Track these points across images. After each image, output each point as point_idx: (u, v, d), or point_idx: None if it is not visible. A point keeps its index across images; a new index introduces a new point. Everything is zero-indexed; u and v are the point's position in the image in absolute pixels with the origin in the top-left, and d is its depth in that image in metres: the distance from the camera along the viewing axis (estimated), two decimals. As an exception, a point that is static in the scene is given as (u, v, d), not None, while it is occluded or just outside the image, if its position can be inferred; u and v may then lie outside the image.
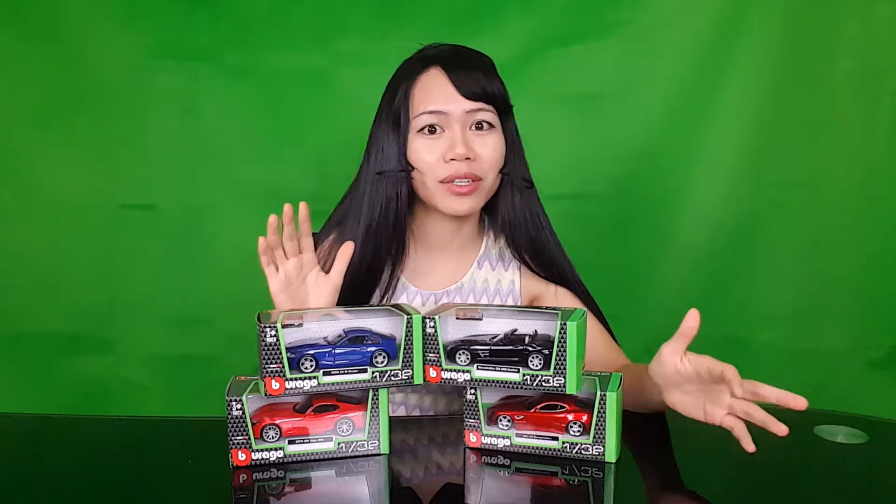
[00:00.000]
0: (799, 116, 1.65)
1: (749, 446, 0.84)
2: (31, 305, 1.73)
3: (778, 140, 1.66)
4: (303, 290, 1.04)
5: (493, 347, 0.88)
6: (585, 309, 0.96)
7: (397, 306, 0.95)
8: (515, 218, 1.14)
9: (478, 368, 0.89)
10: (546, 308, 0.94)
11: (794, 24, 1.62)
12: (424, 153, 1.08)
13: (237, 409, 0.88)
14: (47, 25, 1.65)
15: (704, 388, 0.88)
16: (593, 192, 1.71)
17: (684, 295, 1.69)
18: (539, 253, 1.16)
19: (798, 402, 0.81)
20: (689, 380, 0.88)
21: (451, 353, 0.89)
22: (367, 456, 0.91)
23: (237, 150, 1.70)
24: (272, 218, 0.99)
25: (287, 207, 0.99)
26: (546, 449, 0.90)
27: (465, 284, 1.18)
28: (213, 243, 1.72)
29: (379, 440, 0.91)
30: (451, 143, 1.07)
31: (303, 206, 1.01)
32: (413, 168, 1.09)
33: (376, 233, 1.11)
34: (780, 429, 0.81)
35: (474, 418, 0.92)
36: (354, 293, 1.09)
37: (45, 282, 1.72)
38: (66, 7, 1.65)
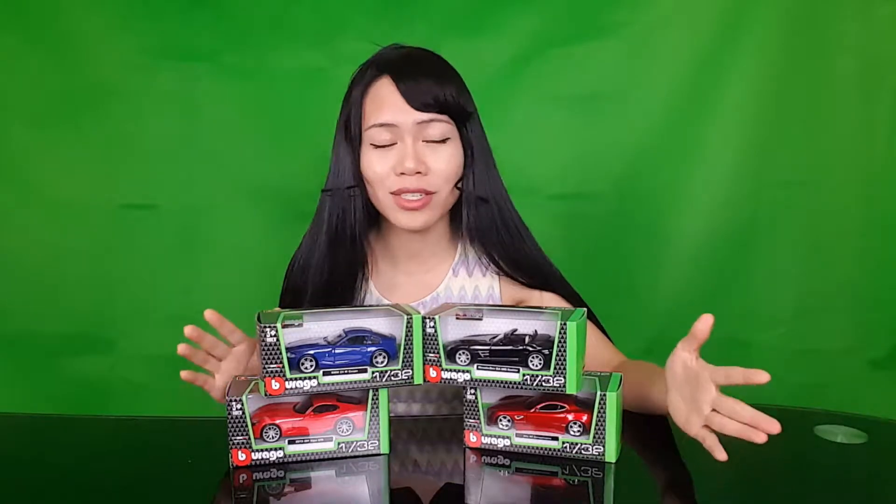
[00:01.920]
0: (799, 116, 1.65)
1: (720, 455, 0.83)
2: (31, 305, 1.73)
3: (778, 139, 1.66)
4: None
5: (493, 347, 0.88)
6: (585, 309, 0.96)
7: (397, 306, 0.95)
8: (483, 230, 1.11)
9: (478, 368, 0.89)
10: (546, 308, 0.94)
11: (793, 24, 1.62)
12: (376, 165, 1.06)
13: (237, 409, 0.88)
14: (47, 25, 1.65)
15: (696, 396, 0.84)
16: (593, 191, 1.71)
17: (684, 295, 1.69)
18: (514, 260, 1.13)
19: (771, 426, 0.78)
20: (689, 381, 0.85)
21: (451, 353, 0.89)
22: (367, 456, 0.91)
23: (237, 150, 1.70)
24: (189, 329, 0.93)
25: (208, 313, 0.94)
26: (546, 449, 0.90)
27: (440, 294, 1.15)
28: (213, 243, 1.72)
29: (379, 440, 0.91)
30: (401, 157, 1.04)
31: (209, 312, 0.95)
32: (361, 182, 1.08)
33: (336, 247, 1.10)
34: (759, 437, 0.79)
35: (474, 418, 0.92)
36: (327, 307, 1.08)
37: (45, 282, 1.72)
38: (67, 7, 1.64)
